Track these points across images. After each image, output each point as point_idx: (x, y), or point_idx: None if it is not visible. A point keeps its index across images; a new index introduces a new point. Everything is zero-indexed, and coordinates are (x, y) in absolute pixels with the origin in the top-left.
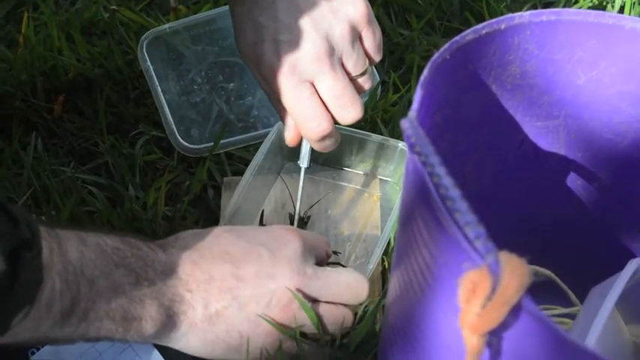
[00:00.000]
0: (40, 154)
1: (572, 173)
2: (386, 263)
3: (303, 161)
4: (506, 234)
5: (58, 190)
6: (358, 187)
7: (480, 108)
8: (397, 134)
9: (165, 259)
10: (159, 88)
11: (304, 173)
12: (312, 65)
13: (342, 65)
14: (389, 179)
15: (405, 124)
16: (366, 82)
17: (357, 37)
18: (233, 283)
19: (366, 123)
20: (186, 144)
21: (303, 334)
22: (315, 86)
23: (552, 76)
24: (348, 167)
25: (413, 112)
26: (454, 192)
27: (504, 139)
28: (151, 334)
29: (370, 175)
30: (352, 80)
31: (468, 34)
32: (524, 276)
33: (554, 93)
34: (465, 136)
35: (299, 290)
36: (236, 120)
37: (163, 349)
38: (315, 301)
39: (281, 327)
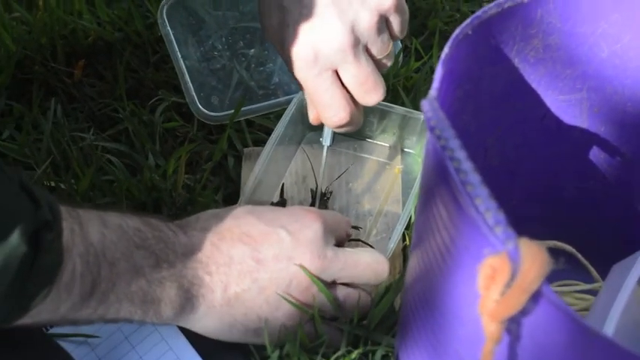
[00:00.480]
0: (59, 120)
1: (595, 147)
2: (407, 240)
3: (326, 140)
4: (529, 207)
5: (78, 159)
6: (380, 159)
7: (503, 82)
8: (419, 103)
9: (186, 241)
10: (179, 54)
11: (327, 151)
12: (335, 56)
13: (367, 50)
14: (411, 151)
15: (425, 105)
16: (389, 60)
17: (384, 24)
18: (253, 266)
19: (388, 91)
20: (207, 112)
21: (322, 317)
22: (338, 73)
23: (575, 49)
24: (370, 138)
25: (433, 91)
26: (474, 177)
27: (527, 112)
28: (170, 316)
29: (392, 147)
30: (375, 61)
31: (491, 8)
32: (544, 263)
33: (577, 66)
34: (487, 109)
35: (320, 273)
36: (256, 87)
37: (188, 333)
38: (334, 282)
39: (301, 308)
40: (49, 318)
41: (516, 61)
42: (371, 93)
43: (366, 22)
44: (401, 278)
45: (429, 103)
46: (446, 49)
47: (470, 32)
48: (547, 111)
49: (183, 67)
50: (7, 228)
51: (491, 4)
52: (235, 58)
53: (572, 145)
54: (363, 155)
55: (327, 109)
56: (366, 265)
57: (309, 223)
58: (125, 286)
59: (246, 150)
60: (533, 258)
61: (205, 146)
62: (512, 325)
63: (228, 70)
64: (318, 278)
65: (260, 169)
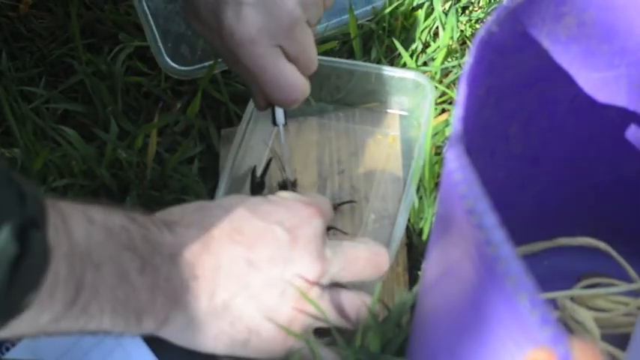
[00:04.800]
0: (4, 67)
1: (632, 126)
2: (410, 219)
3: (280, 118)
4: (556, 198)
5: (28, 134)
6: (372, 127)
7: (529, 67)
8: (415, 54)
9: (172, 240)
10: None
11: (283, 131)
12: (283, 34)
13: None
14: (404, 113)
15: (450, 161)
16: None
17: None
18: (244, 269)
19: (382, 42)
20: (176, 66)
21: (321, 330)
22: (282, 48)
23: (614, 23)
24: (361, 104)
25: (456, 129)
26: (516, 266)
27: (555, 95)
28: (152, 328)
29: (383, 112)
30: None
31: None
32: None
33: (614, 41)
34: (510, 98)
35: (319, 278)
36: None
37: (153, 346)
38: (334, 285)
39: (292, 333)
40: (26, 331)
41: (545, 44)
42: (310, 64)
43: None
44: (407, 290)
45: (455, 156)
46: (469, 59)
47: (495, 29)
48: (579, 91)
49: (147, 9)
50: None
51: None
52: None
53: (606, 125)
54: (353, 125)
55: (279, 89)
56: (366, 260)
57: (309, 218)
58: (109, 293)
59: (222, 132)
60: None
61: (177, 116)
62: None
63: None
64: (317, 284)
65: (234, 160)
